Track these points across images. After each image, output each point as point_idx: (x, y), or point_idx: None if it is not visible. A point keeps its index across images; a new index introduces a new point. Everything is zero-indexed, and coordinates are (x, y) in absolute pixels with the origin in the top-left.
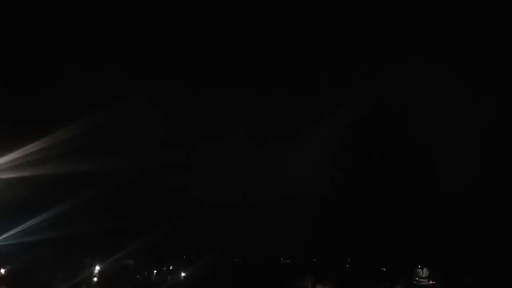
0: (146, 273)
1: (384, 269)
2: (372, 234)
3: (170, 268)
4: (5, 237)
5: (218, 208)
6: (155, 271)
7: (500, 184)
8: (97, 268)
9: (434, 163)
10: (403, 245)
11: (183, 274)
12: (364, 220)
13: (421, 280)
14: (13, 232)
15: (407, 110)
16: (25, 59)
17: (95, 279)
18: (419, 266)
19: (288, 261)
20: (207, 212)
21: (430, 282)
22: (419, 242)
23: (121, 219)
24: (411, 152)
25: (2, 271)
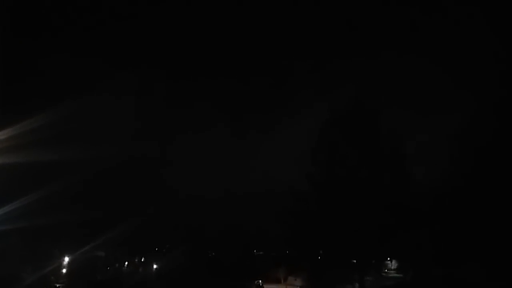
0: (117, 265)
1: (355, 261)
2: (344, 227)
3: (142, 260)
4: None
5: (192, 200)
6: (126, 263)
7: (470, 179)
8: (66, 259)
9: (405, 159)
10: (374, 238)
11: (155, 266)
12: (337, 213)
13: (390, 272)
14: None
15: (382, 106)
16: None
17: (64, 270)
18: (389, 259)
19: (261, 253)
20: (180, 203)
21: None
22: (389, 235)
23: (92, 210)
24: (384, 148)
25: None
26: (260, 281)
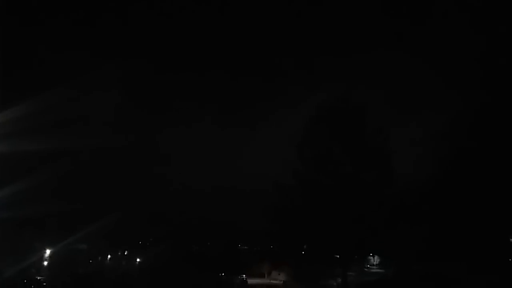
0: (99, 258)
1: (338, 256)
2: (328, 223)
3: (125, 253)
4: None
5: (177, 193)
6: (109, 256)
7: (453, 177)
8: (48, 252)
9: (390, 156)
10: (357, 233)
11: (138, 260)
12: (322, 209)
13: (372, 267)
14: None
15: (369, 103)
16: None
17: (45, 263)
18: (371, 254)
19: (246, 247)
20: (165, 197)
21: None
22: (372, 231)
23: (74, 202)
24: (370, 144)
25: None
26: (244, 275)
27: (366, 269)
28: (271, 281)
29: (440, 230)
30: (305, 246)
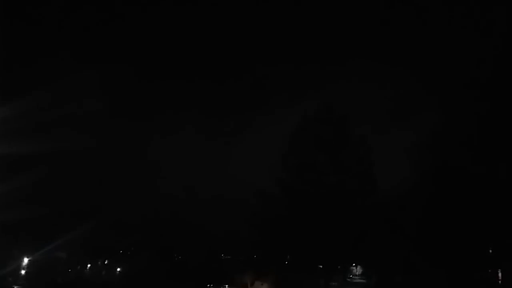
0: (78, 267)
1: (321, 266)
2: (312, 232)
3: (105, 262)
4: None
5: (161, 200)
6: (88, 265)
7: (434, 189)
8: (26, 260)
9: (373, 166)
10: (340, 243)
11: (119, 269)
12: (305, 218)
13: (355, 277)
14: None
15: (352, 113)
16: None
17: (23, 272)
18: (354, 264)
19: (229, 257)
20: (147, 204)
21: None
22: (355, 241)
23: (53, 208)
24: (353, 154)
25: None
26: (227, 286)
27: (348, 279)
28: None
29: (422, 240)
30: (288, 256)
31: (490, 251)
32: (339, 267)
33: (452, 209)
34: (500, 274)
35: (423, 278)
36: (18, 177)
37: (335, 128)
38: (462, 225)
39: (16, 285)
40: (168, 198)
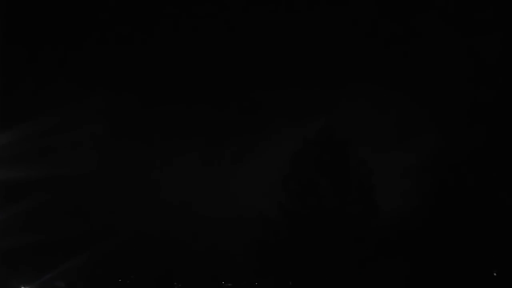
0: None
1: None
2: (314, 257)
3: None
4: None
5: (159, 225)
6: None
7: (437, 212)
8: None
9: (374, 189)
10: (343, 269)
11: None
12: (307, 243)
13: None
14: None
15: (353, 137)
16: None
17: None
18: None
19: (230, 285)
20: (146, 229)
21: None
22: (358, 266)
23: (51, 235)
24: (354, 178)
25: None
26: None
27: None
28: None
29: (426, 265)
30: (290, 283)
31: (494, 274)
32: None
33: (455, 231)
34: None
35: None
36: (16, 204)
37: (335, 152)
38: (464, 247)
39: None
40: (168, 223)
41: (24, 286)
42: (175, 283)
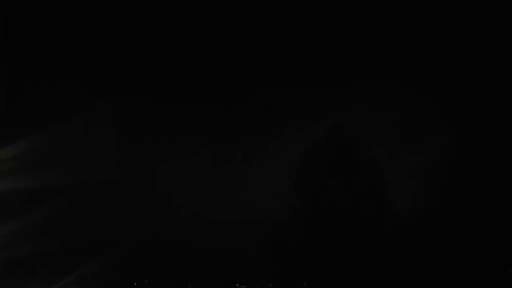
0: None
1: None
2: (328, 258)
3: None
4: None
5: (172, 228)
6: None
7: (451, 212)
8: None
9: (387, 188)
10: (355, 269)
11: None
12: (320, 244)
13: None
14: None
15: (363, 135)
16: None
17: None
18: None
19: (243, 286)
20: (160, 233)
21: None
22: (370, 266)
23: (66, 242)
24: (366, 178)
25: None
26: None
27: None
28: None
29: (441, 265)
30: (304, 284)
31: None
32: None
33: (470, 229)
34: None
35: None
36: (33, 211)
37: (346, 152)
38: (479, 246)
39: None
40: (180, 226)
41: None
42: (189, 286)
